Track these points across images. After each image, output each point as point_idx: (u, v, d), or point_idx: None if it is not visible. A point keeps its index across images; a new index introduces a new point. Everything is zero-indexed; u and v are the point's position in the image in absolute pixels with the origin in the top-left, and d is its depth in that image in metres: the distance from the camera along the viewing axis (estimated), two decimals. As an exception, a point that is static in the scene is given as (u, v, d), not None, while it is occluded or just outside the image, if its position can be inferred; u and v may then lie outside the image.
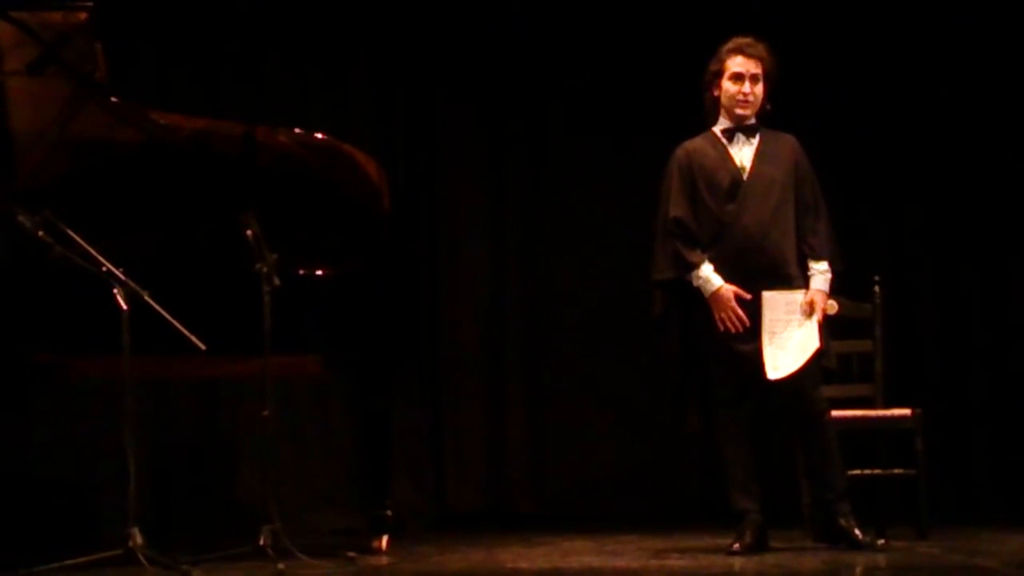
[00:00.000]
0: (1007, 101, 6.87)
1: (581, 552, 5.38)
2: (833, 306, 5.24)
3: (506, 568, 4.98)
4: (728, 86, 5.23)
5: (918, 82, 6.92)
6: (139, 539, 4.68)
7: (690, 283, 5.16)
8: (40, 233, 4.70)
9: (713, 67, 5.25)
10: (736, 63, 5.22)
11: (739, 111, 5.22)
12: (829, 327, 5.23)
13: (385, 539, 5.40)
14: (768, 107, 5.26)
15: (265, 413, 4.92)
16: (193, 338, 4.75)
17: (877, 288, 5.78)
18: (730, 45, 5.24)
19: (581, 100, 6.96)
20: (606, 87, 6.94)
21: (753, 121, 5.26)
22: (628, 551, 5.37)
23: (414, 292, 5.87)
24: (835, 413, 5.30)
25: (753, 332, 5.11)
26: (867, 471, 5.55)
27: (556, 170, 6.99)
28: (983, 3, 6.85)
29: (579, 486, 6.86)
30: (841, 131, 6.82)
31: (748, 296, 5.13)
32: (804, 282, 5.19)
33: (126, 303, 4.70)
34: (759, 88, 5.23)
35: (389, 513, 5.42)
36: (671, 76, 6.44)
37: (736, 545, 5.12)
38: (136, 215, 5.33)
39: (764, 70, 5.23)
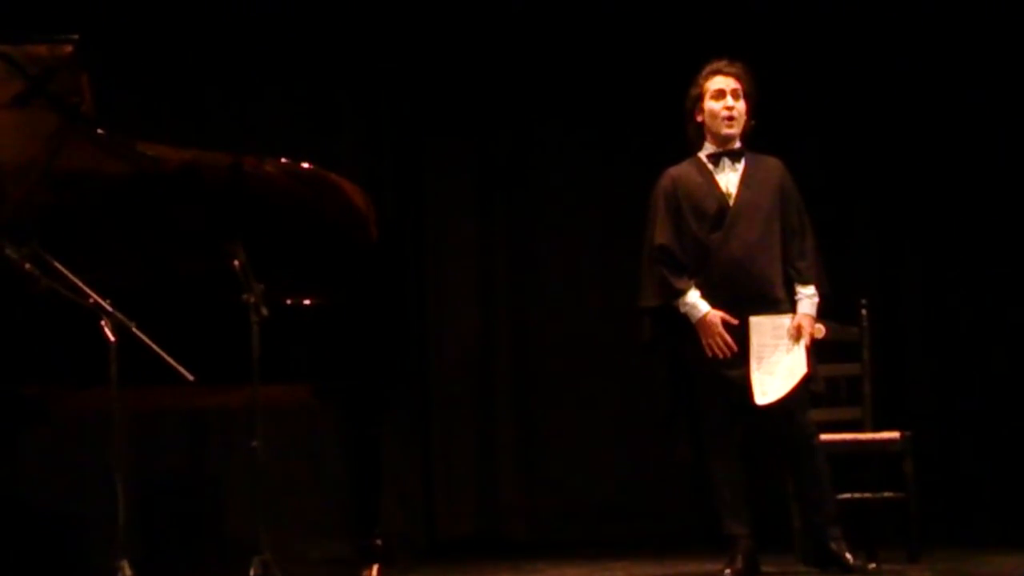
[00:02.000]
0: (994, 123, 6.89)
1: (572, 579, 5.37)
2: (821, 330, 5.25)
3: (497, 596, 4.97)
4: (711, 105, 5.25)
5: (906, 104, 6.95)
6: (128, 571, 4.66)
7: (677, 310, 5.17)
8: (27, 265, 4.70)
9: (693, 92, 5.28)
10: (716, 82, 5.25)
11: (726, 130, 5.24)
12: (817, 351, 5.24)
13: (376, 568, 5.39)
14: (753, 123, 5.28)
15: (254, 443, 4.91)
16: (181, 369, 4.74)
17: (864, 311, 5.79)
18: (707, 69, 5.28)
19: (568, 125, 6.98)
20: (593, 112, 6.96)
21: (738, 145, 5.27)
22: (619, 578, 5.37)
23: (402, 320, 5.86)
24: (824, 437, 5.30)
25: (741, 357, 5.12)
26: (857, 495, 5.55)
27: (543, 196, 7.00)
28: (972, 25, 6.87)
29: (570, 512, 6.85)
30: (827, 153, 6.85)
31: (735, 322, 5.13)
32: (791, 306, 5.20)
33: (113, 335, 4.68)
34: (741, 104, 5.25)
35: (379, 542, 5.40)
36: (657, 101, 6.45)
37: (727, 570, 5.12)
38: (123, 246, 5.33)
39: (744, 87, 5.25)
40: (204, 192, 5.32)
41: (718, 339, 5.12)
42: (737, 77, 5.25)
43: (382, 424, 5.48)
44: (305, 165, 5.45)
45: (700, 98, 5.27)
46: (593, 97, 6.95)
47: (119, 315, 4.71)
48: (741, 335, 5.13)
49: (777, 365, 5.11)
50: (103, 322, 4.70)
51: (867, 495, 5.58)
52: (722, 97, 5.24)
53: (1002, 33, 6.84)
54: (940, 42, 6.91)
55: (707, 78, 5.26)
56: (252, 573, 4.84)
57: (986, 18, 6.85)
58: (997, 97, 6.89)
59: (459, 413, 6.91)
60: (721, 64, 5.27)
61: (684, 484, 6.46)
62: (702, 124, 5.28)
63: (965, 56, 6.90)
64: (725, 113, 5.23)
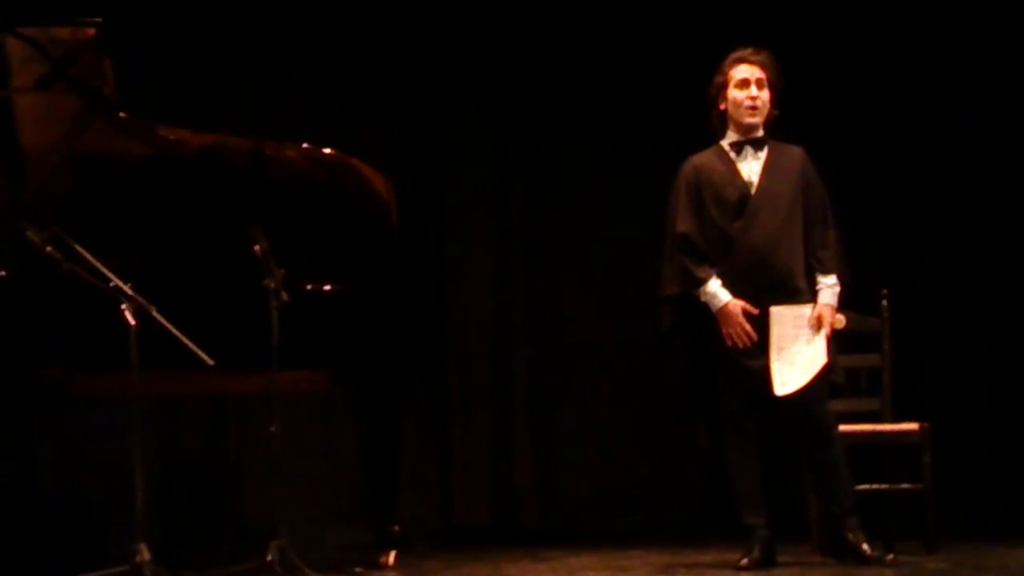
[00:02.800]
0: (1015, 114, 6.87)
1: (588, 567, 5.37)
2: (841, 320, 5.24)
3: (513, 583, 4.98)
4: (735, 94, 5.23)
5: (927, 94, 6.93)
6: (146, 555, 4.68)
7: (698, 298, 5.16)
8: (48, 249, 4.71)
9: (717, 80, 5.26)
10: (740, 71, 5.23)
11: (748, 119, 5.22)
12: (837, 341, 5.23)
13: (392, 554, 5.40)
14: (776, 113, 5.27)
15: (272, 429, 4.92)
16: (201, 354, 4.75)
17: (885, 302, 5.77)
18: (732, 56, 5.26)
19: (587, 113, 6.97)
20: (612, 101, 6.94)
21: (761, 133, 5.26)
22: (635, 566, 5.36)
23: (421, 307, 5.87)
24: (843, 427, 5.30)
25: (761, 347, 5.11)
26: (875, 486, 5.54)
27: (562, 184, 7.00)
28: (989, 17, 6.85)
29: (586, 501, 6.85)
30: (848, 143, 6.82)
31: (756, 311, 5.12)
32: (812, 296, 5.18)
33: (134, 319, 4.70)
34: (765, 94, 5.23)
35: (396, 528, 5.42)
36: (677, 89, 6.44)
37: (744, 560, 5.11)
38: (144, 230, 5.34)
39: (768, 77, 5.24)
40: (225, 176, 5.33)
41: (738, 328, 5.11)
42: (763, 66, 5.23)
43: (400, 411, 5.49)
44: (326, 150, 5.46)
45: (724, 86, 5.25)
46: (612, 86, 6.94)
47: (140, 299, 4.72)
48: (761, 325, 5.12)
49: (797, 355, 5.10)
50: (124, 306, 4.72)
51: (885, 486, 5.57)
52: (746, 86, 5.22)
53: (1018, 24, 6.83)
54: (954, 33, 6.88)
55: (732, 66, 5.25)
56: (269, 558, 4.86)
57: (1003, 11, 6.82)
58: (1012, 88, 6.86)
59: (476, 400, 6.91)
60: (747, 52, 5.25)
61: (701, 473, 6.46)
62: (725, 112, 5.26)
63: (979, 46, 6.88)
64: (749, 103, 5.22)
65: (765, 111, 5.24)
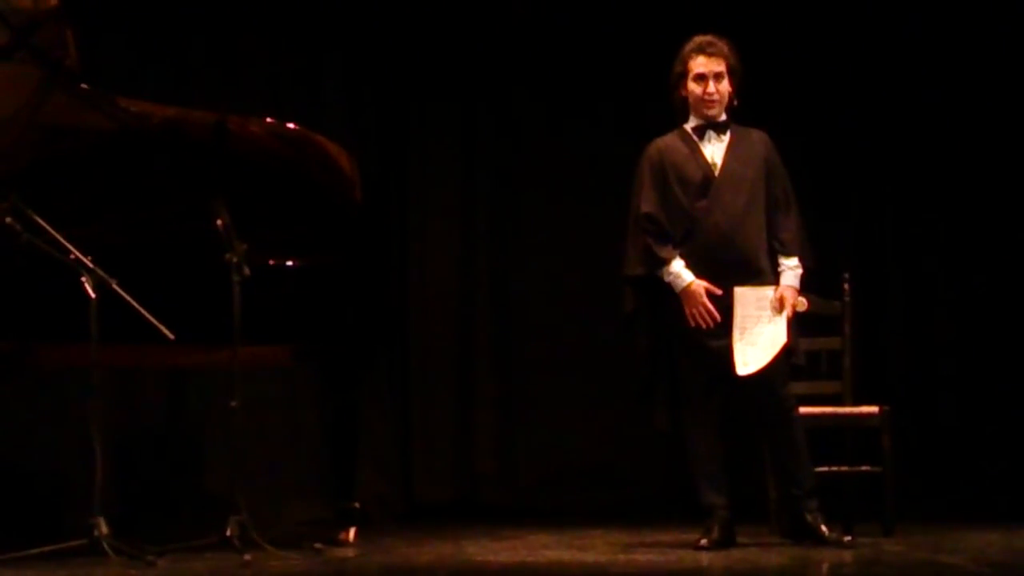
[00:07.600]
0: (978, 98, 6.89)
1: (548, 546, 5.38)
2: (803, 303, 5.26)
3: (474, 561, 4.98)
4: (693, 87, 5.23)
5: (889, 78, 6.94)
6: (104, 529, 4.67)
7: (661, 279, 5.17)
8: (8, 219, 4.68)
9: (677, 69, 5.26)
10: (698, 63, 5.22)
11: (707, 111, 5.24)
12: (798, 323, 5.25)
13: (352, 531, 5.40)
14: (736, 103, 5.27)
15: (233, 404, 4.91)
16: (162, 327, 4.73)
17: (846, 285, 5.79)
18: (691, 46, 5.25)
19: (553, 93, 6.96)
20: (578, 80, 6.94)
21: (724, 118, 5.27)
22: (596, 545, 5.38)
23: (384, 284, 5.86)
24: (803, 410, 5.31)
25: (724, 328, 5.12)
26: (834, 468, 5.57)
27: (527, 164, 6.99)
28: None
29: (547, 479, 6.86)
30: (811, 127, 6.84)
31: (719, 292, 5.14)
32: (775, 278, 5.20)
33: (94, 291, 4.67)
34: (724, 86, 5.23)
35: (357, 505, 5.42)
36: (643, 70, 6.44)
37: (703, 540, 5.13)
38: (105, 203, 5.30)
39: (727, 67, 5.23)
40: (188, 150, 5.30)
41: (701, 309, 5.12)
42: (722, 57, 5.22)
43: (362, 387, 5.48)
44: (290, 125, 5.44)
45: (684, 76, 5.25)
46: (578, 62, 6.93)
47: (99, 271, 4.69)
48: (724, 305, 5.13)
49: (759, 336, 5.12)
50: (84, 278, 4.69)
51: (844, 469, 5.60)
52: (704, 82, 5.22)
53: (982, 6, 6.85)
54: (917, 15, 6.89)
55: (691, 56, 5.23)
56: (229, 533, 4.85)
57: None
58: (980, 72, 6.88)
59: (438, 378, 6.91)
60: (705, 42, 5.23)
61: (662, 453, 6.47)
62: (686, 99, 5.26)
63: (942, 28, 6.89)
64: (707, 98, 5.22)
65: (725, 101, 5.25)
